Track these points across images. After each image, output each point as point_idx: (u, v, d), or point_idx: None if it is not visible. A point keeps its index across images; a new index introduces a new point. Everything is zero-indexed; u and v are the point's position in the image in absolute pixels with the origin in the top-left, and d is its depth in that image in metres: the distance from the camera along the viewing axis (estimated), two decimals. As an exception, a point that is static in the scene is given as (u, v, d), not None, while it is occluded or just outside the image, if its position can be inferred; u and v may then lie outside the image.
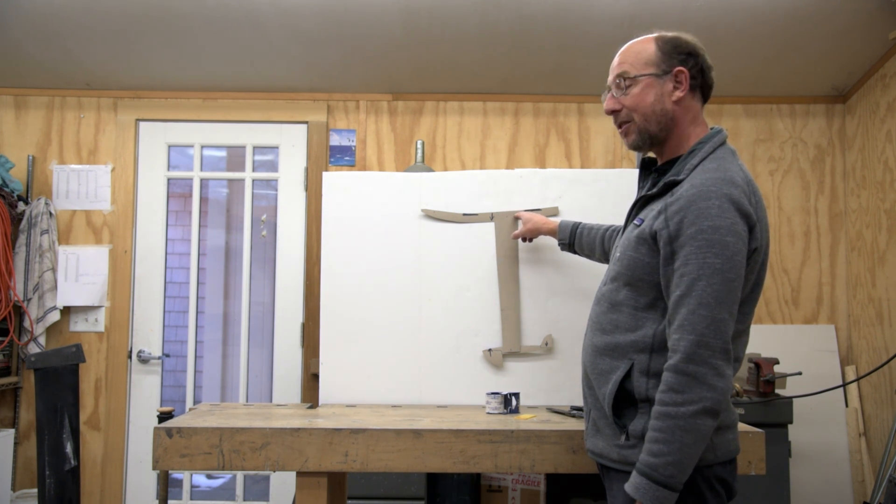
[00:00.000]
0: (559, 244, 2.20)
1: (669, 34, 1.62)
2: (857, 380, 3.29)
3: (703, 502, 1.48)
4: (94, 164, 3.63)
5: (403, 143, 3.65)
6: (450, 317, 2.37)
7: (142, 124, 3.67)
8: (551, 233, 2.23)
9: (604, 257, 2.07)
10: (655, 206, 1.54)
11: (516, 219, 2.36)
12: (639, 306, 1.55)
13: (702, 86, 1.61)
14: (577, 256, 2.22)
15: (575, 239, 2.14)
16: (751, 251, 1.46)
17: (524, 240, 2.34)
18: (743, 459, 1.82)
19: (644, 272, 1.53)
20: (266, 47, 3.25)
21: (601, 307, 1.64)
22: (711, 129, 1.62)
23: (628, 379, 1.52)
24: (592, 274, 2.34)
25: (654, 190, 1.57)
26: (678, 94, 1.58)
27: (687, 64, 1.58)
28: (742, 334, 1.53)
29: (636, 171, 2.12)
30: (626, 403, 1.53)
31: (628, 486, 1.43)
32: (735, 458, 1.56)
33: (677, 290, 1.43)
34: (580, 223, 2.15)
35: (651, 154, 1.71)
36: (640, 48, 1.61)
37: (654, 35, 1.62)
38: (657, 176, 1.65)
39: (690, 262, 1.42)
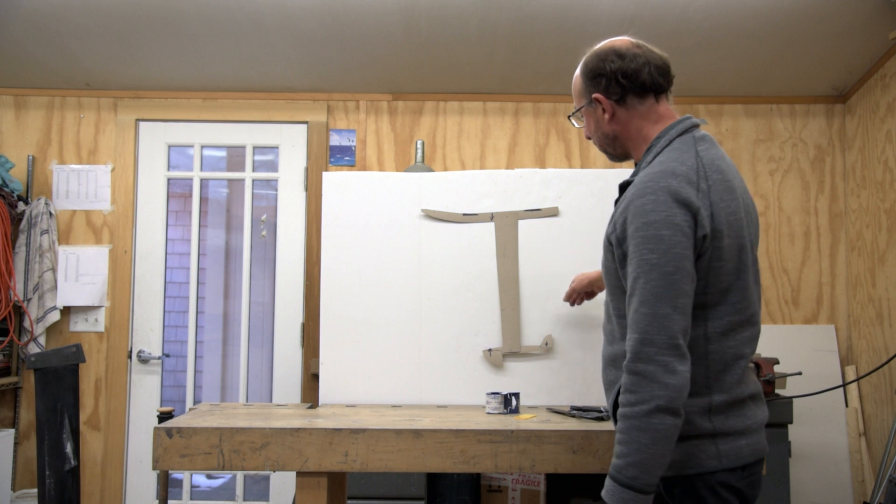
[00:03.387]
0: None
1: (589, 54, 1.63)
2: (857, 380, 3.29)
3: None
4: (94, 164, 3.63)
5: (403, 143, 3.65)
6: (450, 316, 2.37)
7: (142, 124, 3.67)
8: (600, 277, 2.16)
9: None
10: (612, 216, 1.56)
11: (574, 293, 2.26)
12: (620, 314, 1.54)
13: (635, 88, 1.57)
14: (577, 256, 2.22)
15: None
16: (700, 238, 1.41)
17: (572, 303, 2.27)
18: (743, 459, 1.81)
19: (615, 278, 1.54)
20: (266, 47, 3.25)
21: (604, 319, 1.66)
22: (680, 119, 1.58)
23: None
24: (592, 274, 2.34)
25: (619, 196, 1.59)
26: (607, 116, 1.60)
27: (600, 87, 1.58)
28: (739, 327, 1.47)
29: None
30: None
31: (602, 491, 1.41)
32: (753, 465, 1.49)
33: (627, 291, 1.44)
34: None
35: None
36: (575, 79, 1.68)
37: (584, 59, 1.64)
38: None
39: (632, 262, 1.42)
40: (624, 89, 1.56)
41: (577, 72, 1.66)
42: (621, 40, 1.61)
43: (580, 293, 2.23)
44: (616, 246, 1.49)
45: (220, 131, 3.68)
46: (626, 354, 1.40)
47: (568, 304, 2.31)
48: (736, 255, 1.46)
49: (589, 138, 1.70)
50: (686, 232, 1.39)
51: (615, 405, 1.53)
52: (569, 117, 1.73)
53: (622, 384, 1.41)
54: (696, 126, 1.57)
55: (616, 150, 1.66)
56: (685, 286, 1.39)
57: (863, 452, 3.37)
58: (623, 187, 1.57)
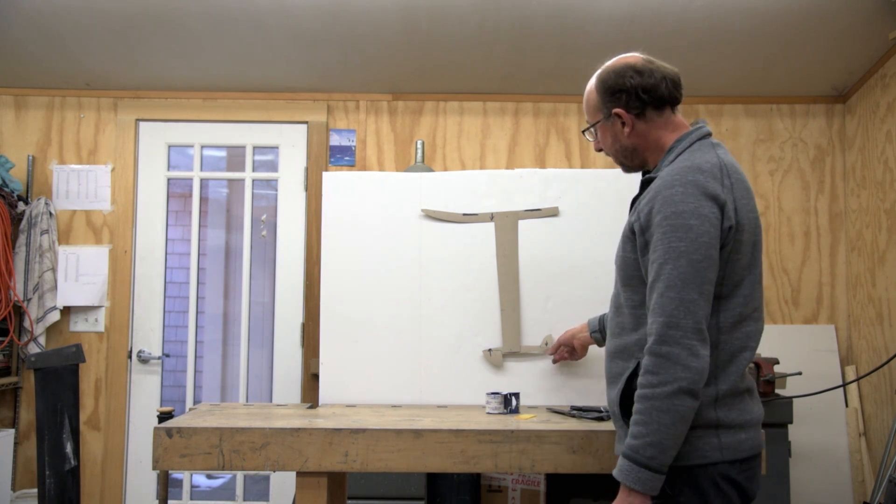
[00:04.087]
0: (592, 335, 2.15)
1: (605, 71, 1.68)
2: (857, 380, 3.29)
3: (704, 499, 1.47)
4: (94, 164, 3.63)
5: (403, 143, 3.65)
6: (450, 317, 2.37)
7: (142, 124, 3.67)
8: (582, 331, 2.20)
9: None
10: (634, 207, 1.62)
11: (560, 347, 2.27)
12: (635, 305, 1.58)
13: (654, 102, 1.63)
14: (577, 256, 2.23)
15: (604, 325, 2.12)
16: (726, 229, 1.47)
17: (556, 360, 2.29)
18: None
19: (633, 269, 1.58)
20: (266, 47, 3.25)
21: (610, 313, 1.69)
22: (693, 124, 1.65)
23: (634, 378, 1.54)
24: (592, 274, 2.34)
25: (638, 192, 1.64)
26: (626, 130, 1.66)
27: (621, 102, 1.64)
28: (747, 321, 1.52)
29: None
30: (632, 404, 1.54)
31: (615, 471, 1.45)
32: (751, 459, 1.53)
33: (650, 277, 1.49)
34: (604, 313, 2.12)
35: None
36: (588, 95, 1.72)
37: (596, 74, 1.70)
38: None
39: (658, 248, 1.47)
40: (644, 103, 1.63)
41: (591, 87, 1.71)
42: (634, 57, 1.67)
43: (565, 346, 2.25)
44: (639, 234, 1.53)
45: (220, 131, 3.68)
46: (650, 338, 1.44)
47: (566, 302, 2.32)
48: (750, 250, 1.53)
49: (599, 150, 1.76)
50: (714, 223, 1.45)
51: (622, 394, 1.55)
52: (583, 132, 1.79)
53: (644, 366, 1.44)
54: (710, 134, 1.64)
55: (633, 162, 1.71)
56: (710, 274, 1.45)
57: (863, 452, 3.37)
58: (646, 183, 1.61)
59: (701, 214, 1.44)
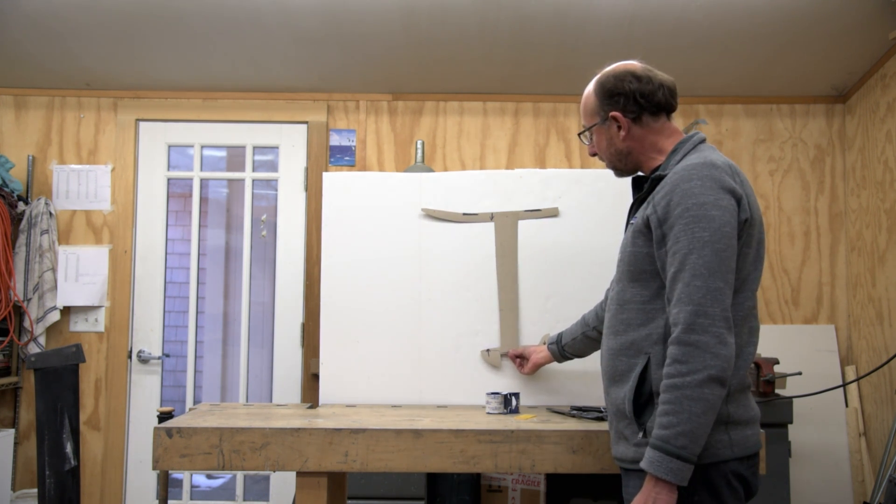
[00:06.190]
0: (549, 346, 2.20)
1: (605, 75, 1.71)
2: (857, 380, 3.29)
3: (718, 497, 1.48)
4: (94, 164, 3.63)
5: (403, 143, 3.65)
6: (450, 317, 2.37)
7: (142, 124, 3.67)
8: (540, 351, 2.24)
9: (596, 320, 2.07)
10: (647, 202, 1.61)
11: (517, 356, 2.31)
12: (645, 300, 1.58)
13: (651, 108, 1.66)
14: (576, 257, 2.23)
15: (562, 344, 2.16)
16: (742, 222, 1.50)
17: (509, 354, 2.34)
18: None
19: (645, 263, 1.58)
20: (266, 47, 3.25)
21: (611, 311, 1.68)
22: (687, 131, 1.71)
23: (646, 374, 1.54)
24: (591, 274, 2.34)
25: (644, 191, 1.65)
26: (622, 133, 1.68)
27: (618, 105, 1.67)
28: (750, 316, 1.55)
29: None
30: (644, 401, 1.55)
31: (643, 462, 1.44)
32: (755, 455, 1.56)
33: (671, 268, 1.49)
34: (560, 333, 2.18)
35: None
36: (586, 98, 1.77)
37: (595, 79, 1.73)
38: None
39: (681, 239, 1.47)
40: (641, 108, 1.66)
41: (590, 91, 1.73)
42: (633, 64, 1.70)
43: (521, 357, 2.29)
44: (656, 227, 1.54)
45: (220, 131, 3.68)
46: (676, 327, 1.44)
47: (565, 302, 2.32)
48: (756, 247, 1.55)
49: (593, 155, 1.78)
50: (733, 214, 1.48)
51: (636, 391, 1.54)
52: (579, 135, 1.81)
53: (670, 355, 1.45)
54: (705, 139, 1.68)
55: (626, 166, 1.73)
56: (732, 264, 1.47)
57: (863, 452, 3.37)
58: (655, 181, 1.62)
59: (721, 206, 1.47)
